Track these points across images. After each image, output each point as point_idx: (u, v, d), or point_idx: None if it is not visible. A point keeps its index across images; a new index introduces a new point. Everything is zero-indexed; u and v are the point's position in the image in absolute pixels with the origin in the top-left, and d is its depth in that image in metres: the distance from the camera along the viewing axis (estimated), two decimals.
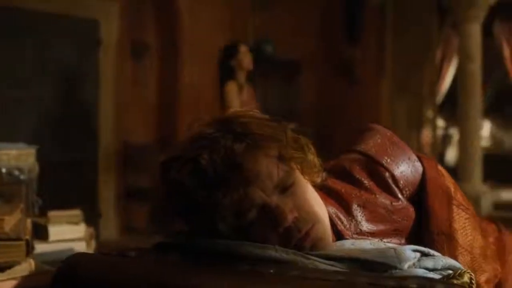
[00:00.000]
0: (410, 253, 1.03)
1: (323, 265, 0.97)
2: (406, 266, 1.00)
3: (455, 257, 1.21)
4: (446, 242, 1.26)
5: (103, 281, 0.90)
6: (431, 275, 1.02)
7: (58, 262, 1.68)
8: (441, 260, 1.07)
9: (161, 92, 6.84)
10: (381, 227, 1.21)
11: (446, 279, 0.98)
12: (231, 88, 4.60)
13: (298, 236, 1.02)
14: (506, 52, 8.64)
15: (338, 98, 8.19)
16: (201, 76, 6.84)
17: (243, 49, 4.73)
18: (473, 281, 1.00)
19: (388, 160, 1.27)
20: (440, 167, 1.36)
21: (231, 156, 1.01)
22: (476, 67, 6.78)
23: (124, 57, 6.49)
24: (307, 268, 0.93)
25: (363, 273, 0.92)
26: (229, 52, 4.75)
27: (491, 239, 1.52)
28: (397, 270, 0.98)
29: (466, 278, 1.00)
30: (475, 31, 6.81)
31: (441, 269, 1.05)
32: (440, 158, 8.73)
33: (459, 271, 1.02)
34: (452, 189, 1.33)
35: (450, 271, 1.05)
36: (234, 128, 1.04)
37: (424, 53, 8.32)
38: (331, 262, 0.98)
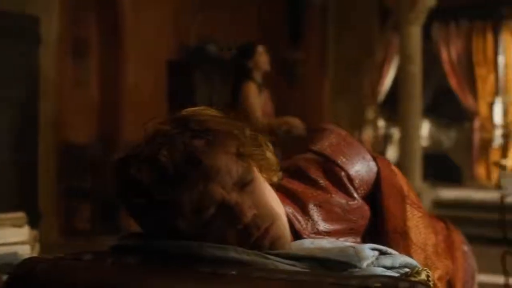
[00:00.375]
0: (369, 251, 1.03)
1: (284, 265, 0.96)
2: (365, 264, 1.01)
3: (409, 255, 1.23)
4: (400, 240, 1.28)
5: (60, 286, 0.87)
6: (389, 273, 1.03)
7: (1, 267, 1.62)
8: (399, 258, 1.08)
9: (104, 91, 6.73)
10: (337, 226, 1.22)
11: (405, 277, 0.99)
12: (251, 88, 4.51)
13: (257, 233, 1.02)
14: (443, 54, 8.87)
15: (281, 98, 8.23)
16: (144, 76, 6.76)
17: (260, 49, 4.64)
18: (430, 279, 1.02)
19: (344, 160, 1.28)
20: (393, 167, 1.38)
21: (191, 153, 0.99)
22: (416, 68, 6.95)
23: (65, 55, 6.34)
24: (270, 269, 0.92)
25: (326, 273, 0.92)
26: (246, 52, 4.66)
27: (440, 237, 1.55)
28: (357, 269, 0.99)
29: (423, 276, 1.01)
30: (415, 33, 6.97)
31: (398, 267, 1.06)
32: None
33: (416, 269, 1.03)
34: (405, 188, 1.35)
35: (407, 269, 1.06)
36: (192, 125, 1.03)
37: (366, 54, 8.47)
38: (292, 262, 0.98)
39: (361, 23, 8.38)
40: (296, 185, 1.23)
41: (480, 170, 8.71)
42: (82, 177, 6.21)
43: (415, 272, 1.02)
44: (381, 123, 9.26)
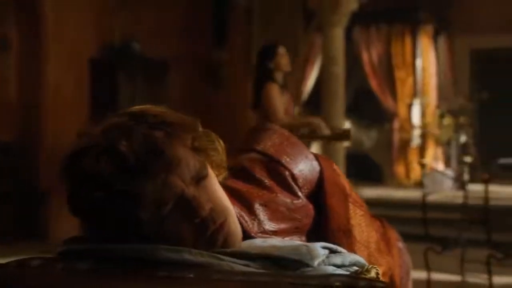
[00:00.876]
0: (320, 250, 1.04)
1: (238, 265, 0.95)
2: (316, 263, 1.02)
3: (353, 253, 1.25)
4: (344, 238, 1.30)
5: None
6: (340, 271, 1.04)
7: None
8: (348, 256, 1.09)
9: (23, 90, 6.50)
10: (283, 225, 1.22)
11: (356, 275, 1.01)
12: (273, 89, 4.51)
13: (213, 227, 1.01)
14: (364, 56, 9.08)
15: (206, 98, 8.21)
16: (66, 75, 6.58)
17: (282, 50, 4.67)
18: (379, 276, 1.04)
19: (288, 159, 1.29)
20: (335, 166, 1.40)
21: (152, 143, 0.98)
22: (339, 69, 7.07)
23: None
24: (227, 270, 0.91)
25: (283, 273, 0.92)
26: (267, 53, 4.64)
27: (378, 235, 1.59)
28: (310, 268, 0.99)
29: (373, 273, 1.03)
30: (338, 35, 7.09)
31: (348, 265, 1.08)
32: None
33: (366, 267, 1.05)
34: (348, 187, 1.38)
35: (356, 267, 1.08)
36: (148, 118, 1.02)
37: (290, 55, 8.54)
38: (245, 262, 0.97)
39: (286, 24, 8.47)
40: (241, 185, 1.23)
41: (400, 169, 8.97)
42: (2, 180, 5.98)
43: (365, 270, 1.04)
44: None
